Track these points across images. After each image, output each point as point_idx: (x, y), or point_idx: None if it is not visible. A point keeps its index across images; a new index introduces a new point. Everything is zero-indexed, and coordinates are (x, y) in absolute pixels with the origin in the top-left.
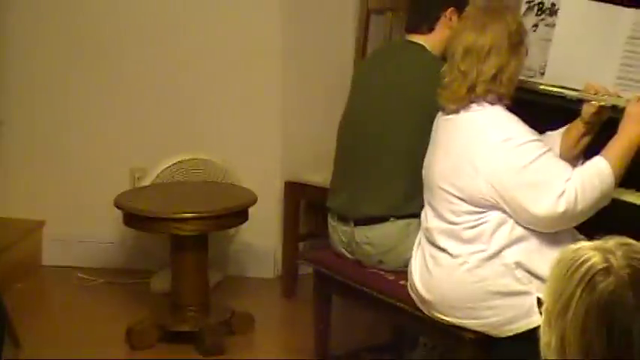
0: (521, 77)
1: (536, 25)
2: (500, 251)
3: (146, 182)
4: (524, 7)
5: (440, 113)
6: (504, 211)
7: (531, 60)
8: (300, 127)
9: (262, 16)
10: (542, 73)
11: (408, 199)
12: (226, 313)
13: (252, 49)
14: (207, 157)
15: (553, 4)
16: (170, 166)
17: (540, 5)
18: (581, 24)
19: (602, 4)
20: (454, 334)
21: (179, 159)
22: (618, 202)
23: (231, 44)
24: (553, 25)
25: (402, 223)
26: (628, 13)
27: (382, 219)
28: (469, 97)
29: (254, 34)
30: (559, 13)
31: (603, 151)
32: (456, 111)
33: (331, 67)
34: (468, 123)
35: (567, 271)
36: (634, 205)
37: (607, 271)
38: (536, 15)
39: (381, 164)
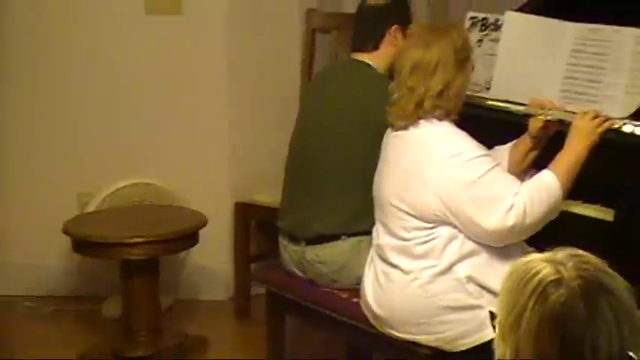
0: (468, 92)
1: (480, 41)
2: (451, 266)
3: (92, 207)
4: (468, 22)
5: (389, 130)
6: (455, 226)
7: (477, 75)
8: (248, 148)
9: (208, 37)
10: (488, 88)
11: (358, 216)
12: (179, 336)
13: (197, 71)
14: (155, 181)
15: (497, 20)
16: (116, 191)
17: (484, 21)
18: (524, 39)
19: (545, 19)
20: (408, 349)
21: (126, 183)
22: (566, 214)
23: (177, 66)
24: (497, 40)
25: (353, 240)
26: (570, 28)
27: (333, 237)
28: (417, 113)
29: (199, 55)
30: (503, 28)
31: (551, 165)
32: (405, 127)
33: (278, 87)
34: (416, 139)
35: (519, 283)
36: (582, 216)
37: (558, 282)
38: (480, 31)
39: (330, 183)
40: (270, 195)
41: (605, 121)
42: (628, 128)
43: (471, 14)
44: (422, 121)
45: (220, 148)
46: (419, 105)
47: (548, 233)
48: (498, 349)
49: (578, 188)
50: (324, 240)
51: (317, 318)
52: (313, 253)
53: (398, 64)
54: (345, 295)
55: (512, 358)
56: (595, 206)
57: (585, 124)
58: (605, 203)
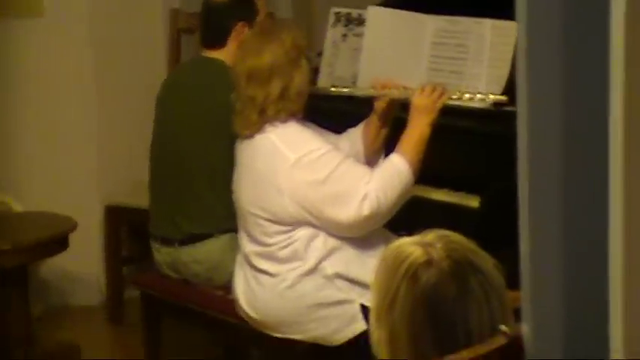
0: (333, 87)
1: (345, 35)
2: (317, 264)
3: None
4: (332, 18)
5: (238, 139)
6: (314, 225)
7: (343, 70)
8: (116, 151)
9: (72, 41)
10: (354, 82)
11: (229, 213)
12: (51, 344)
13: (62, 75)
14: (20, 186)
15: (360, 15)
16: None
17: (348, 16)
18: (387, 33)
19: (406, 13)
20: (285, 345)
21: None
22: (432, 202)
23: (42, 71)
24: (361, 35)
25: (225, 237)
26: (430, 20)
27: (205, 236)
28: (261, 120)
29: (64, 59)
30: (366, 23)
31: (397, 147)
32: (251, 136)
33: (145, 89)
34: (264, 145)
35: (391, 267)
36: (448, 203)
37: (428, 263)
38: (345, 26)
39: (196, 182)
40: (140, 197)
41: (441, 94)
42: (467, 96)
43: (334, 9)
44: (267, 127)
45: (88, 152)
46: (262, 112)
47: (414, 222)
48: (374, 334)
49: (443, 177)
50: (196, 239)
51: (193, 318)
52: (186, 253)
53: (235, 74)
54: (220, 293)
55: (388, 342)
56: (460, 193)
57: (423, 102)
58: (471, 190)
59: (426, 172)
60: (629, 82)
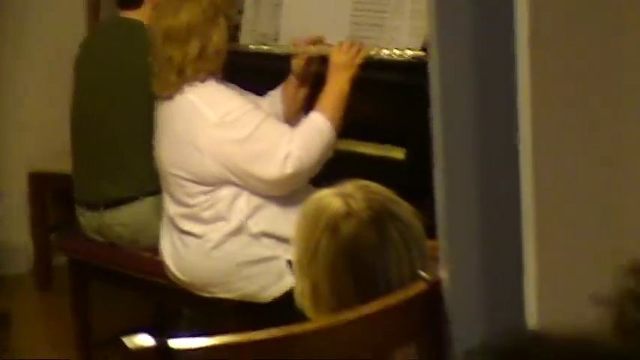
0: (253, 45)
1: None
2: (242, 223)
3: None
4: None
5: (158, 100)
6: (237, 185)
7: (266, 26)
8: (38, 117)
9: None
10: (276, 39)
11: (152, 175)
12: None
13: None
14: None
15: None
16: None
17: None
18: None
19: None
20: (214, 303)
21: None
22: (358, 155)
23: None
24: None
25: (151, 199)
26: None
27: (130, 199)
28: (180, 81)
29: None
30: None
31: (317, 105)
32: (171, 97)
33: (66, 53)
34: (183, 106)
35: (312, 219)
36: (374, 156)
37: (348, 214)
38: None
39: (116, 146)
40: (64, 163)
41: (359, 50)
42: (385, 52)
43: None
44: (186, 87)
45: (9, 119)
46: (180, 73)
47: (340, 177)
48: (297, 285)
49: (368, 130)
50: (121, 203)
51: (122, 281)
52: (112, 217)
53: (151, 35)
54: (148, 255)
55: (311, 294)
56: (386, 146)
57: (342, 58)
58: (396, 142)
59: (352, 125)
60: (535, 31)
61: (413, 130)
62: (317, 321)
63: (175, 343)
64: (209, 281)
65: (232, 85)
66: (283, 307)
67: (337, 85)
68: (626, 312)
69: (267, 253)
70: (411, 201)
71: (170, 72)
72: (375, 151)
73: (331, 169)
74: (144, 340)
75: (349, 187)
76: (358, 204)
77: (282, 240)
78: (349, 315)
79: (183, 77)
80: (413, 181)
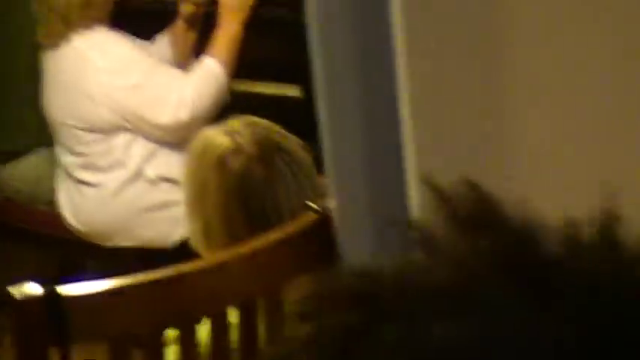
0: None
1: None
2: (139, 169)
3: None
4: None
5: (43, 49)
6: (131, 131)
7: None
8: None
9: None
10: None
11: (43, 127)
12: None
13: None
14: None
15: None
16: None
17: None
18: None
19: None
20: (117, 253)
21: None
22: (254, 95)
23: None
24: None
25: (46, 152)
26: None
27: (23, 152)
28: (66, 29)
29: None
30: None
31: (210, 49)
32: (57, 45)
33: None
34: (71, 54)
35: (199, 158)
36: (270, 96)
37: (236, 151)
38: None
39: (9, 97)
40: None
41: None
42: None
43: None
44: (72, 35)
45: None
46: (65, 20)
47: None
48: (190, 225)
49: (263, 69)
50: (14, 157)
51: (21, 237)
52: (6, 172)
53: None
54: (46, 209)
55: (203, 232)
56: (282, 84)
57: (232, 1)
58: (291, 80)
59: (246, 65)
60: None
61: (308, 67)
62: (207, 258)
63: (64, 290)
64: (109, 230)
65: (120, 31)
66: (185, 252)
67: (229, 28)
68: None
69: (166, 197)
70: (308, 137)
71: (56, 20)
72: (271, 90)
73: (228, 112)
74: (32, 289)
75: (235, 123)
76: (245, 139)
77: (180, 184)
78: (239, 249)
79: (68, 25)
80: (310, 117)
